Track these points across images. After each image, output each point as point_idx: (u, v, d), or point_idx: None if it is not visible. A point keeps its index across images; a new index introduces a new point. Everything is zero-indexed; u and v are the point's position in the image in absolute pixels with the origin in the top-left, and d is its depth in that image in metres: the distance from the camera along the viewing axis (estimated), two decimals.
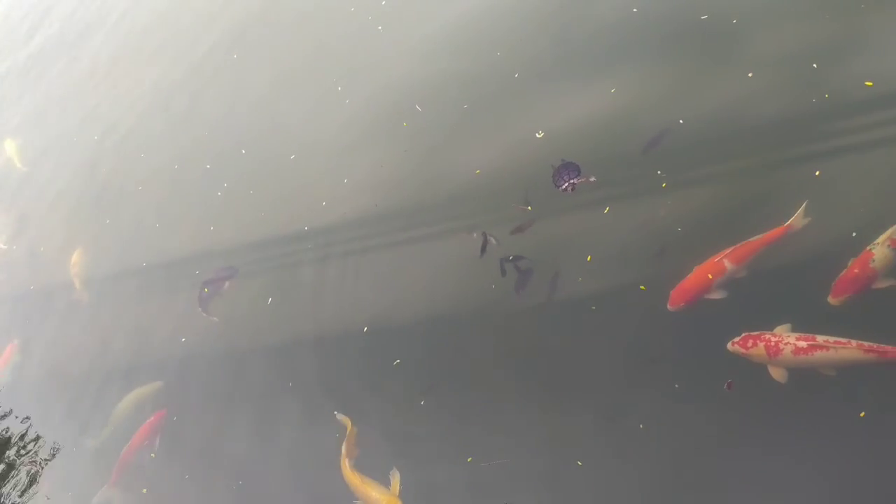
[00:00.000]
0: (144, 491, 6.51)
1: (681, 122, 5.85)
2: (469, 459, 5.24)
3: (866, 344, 4.50)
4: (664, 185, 5.63)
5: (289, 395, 6.24)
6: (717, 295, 5.05)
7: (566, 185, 5.81)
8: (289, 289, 6.89)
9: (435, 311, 6.09)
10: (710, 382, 4.82)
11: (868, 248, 4.69)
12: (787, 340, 4.72)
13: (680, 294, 5.12)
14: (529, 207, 6.03)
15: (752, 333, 4.82)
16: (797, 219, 5.03)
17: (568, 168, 5.87)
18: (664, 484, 4.75)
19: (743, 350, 4.82)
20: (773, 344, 4.75)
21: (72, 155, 9.99)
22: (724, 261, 5.09)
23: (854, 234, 4.86)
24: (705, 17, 6.33)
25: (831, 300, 4.74)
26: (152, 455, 6.63)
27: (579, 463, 4.94)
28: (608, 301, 5.42)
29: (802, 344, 4.67)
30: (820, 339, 4.63)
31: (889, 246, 4.67)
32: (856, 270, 4.71)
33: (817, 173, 5.16)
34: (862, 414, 4.38)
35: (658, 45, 6.51)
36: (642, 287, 5.32)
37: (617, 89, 6.38)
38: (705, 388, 4.84)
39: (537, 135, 6.42)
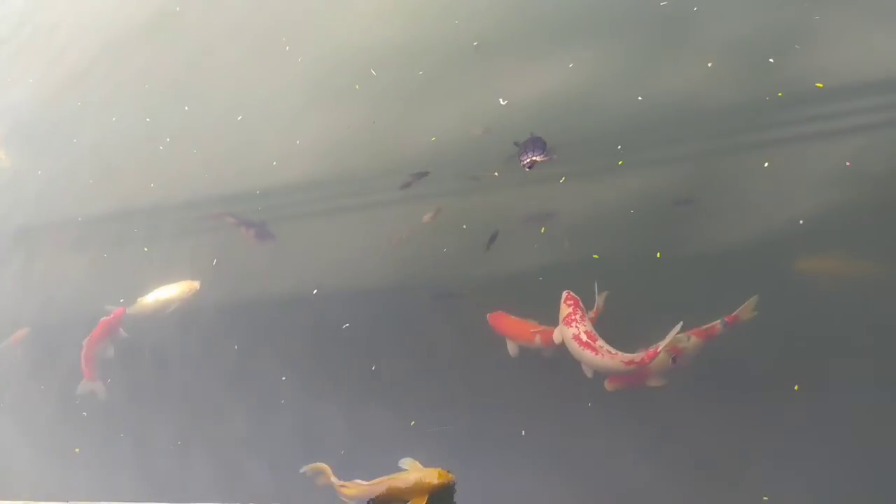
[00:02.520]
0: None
1: (639, 98, 5.94)
2: (412, 423, 5.25)
3: (628, 357, 4.70)
4: (621, 162, 5.71)
5: (234, 356, 6.10)
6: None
7: (528, 160, 5.82)
8: (235, 250, 6.71)
9: (385, 277, 6.01)
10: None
11: (654, 347, 4.66)
12: (581, 327, 4.90)
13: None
14: (496, 174, 6.00)
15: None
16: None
17: (535, 144, 5.88)
18: (608, 456, 4.83)
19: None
20: (571, 318, 4.95)
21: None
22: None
23: (801, 222, 5.02)
24: (665, 3, 6.43)
25: (607, 385, 4.87)
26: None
27: (523, 432, 5.00)
28: (557, 271, 5.46)
29: (584, 337, 4.86)
30: (599, 342, 4.82)
31: (669, 353, 4.72)
32: (647, 357, 4.72)
33: (766, 164, 5.33)
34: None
35: (617, 25, 6.57)
36: (595, 256, 5.40)
37: (575, 64, 6.42)
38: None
39: (501, 101, 6.42)
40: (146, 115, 8.22)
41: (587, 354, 4.85)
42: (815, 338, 4.71)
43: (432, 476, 4.81)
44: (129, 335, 6.59)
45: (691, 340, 4.77)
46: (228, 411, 5.90)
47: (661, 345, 4.64)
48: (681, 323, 4.62)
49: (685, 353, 4.77)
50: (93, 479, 5.98)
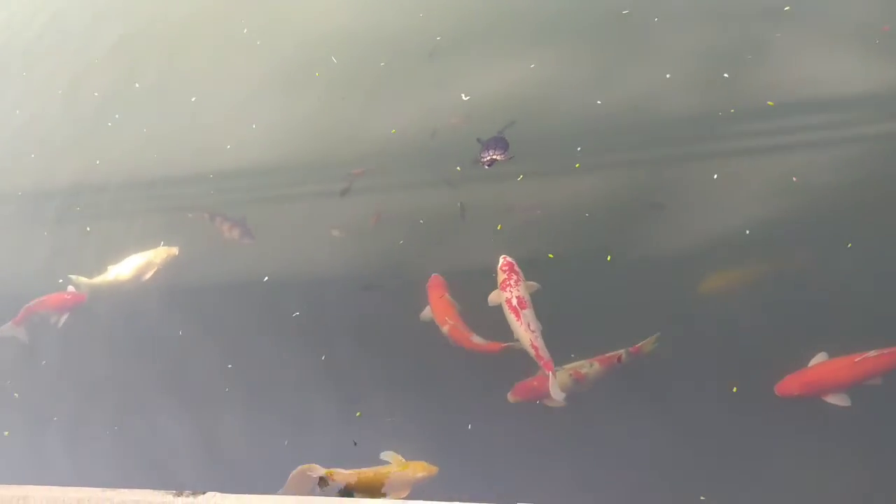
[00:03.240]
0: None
1: (599, 102, 6.01)
2: (358, 414, 5.20)
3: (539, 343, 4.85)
4: (577, 165, 5.77)
5: (177, 342, 5.95)
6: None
7: (489, 158, 5.82)
8: (185, 233, 6.54)
9: (336, 266, 5.94)
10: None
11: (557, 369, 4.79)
12: (514, 292, 5.08)
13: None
14: (459, 168, 5.98)
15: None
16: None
17: (496, 142, 5.88)
18: (553, 448, 4.85)
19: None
20: (506, 283, 5.14)
21: None
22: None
23: (747, 232, 5.14)
24: (627, 12, 6.53)
25: (510, 397, 4.91)
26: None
27: (469, 426, 4.97)
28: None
29: (514, 302, 5.05)
30: (527, 311, 4.98)
31: (571, 375, 4.79)
32: (535, 383, 4.85)
33: (715, 176, 5.45)
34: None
35: (580, 30, 6.67)
36: (550, 255, 5.44)
37: (537, 65, 6.48)
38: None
39: (463, 97, 6.44)
40: (94, 91, 7.97)
41: (512, 318, 5.02)
42: (753, 339, 4.82)
43: (416, 469, 4.74)
44: (74, 319, 6.38)
45: (594, 367, 4.81)
46: (169, 398, 5.74)
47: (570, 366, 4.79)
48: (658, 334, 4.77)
49: (587, 378, 4.81)
50: (22, 462, 5.77)
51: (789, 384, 4.61)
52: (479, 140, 6.02)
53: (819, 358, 4.63)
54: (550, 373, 4.79)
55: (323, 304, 5.77)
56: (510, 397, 4.93)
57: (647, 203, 5.50)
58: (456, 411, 5.05)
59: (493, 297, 5.24)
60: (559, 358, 4.86)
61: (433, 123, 6.35)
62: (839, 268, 4.89)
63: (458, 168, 5.99)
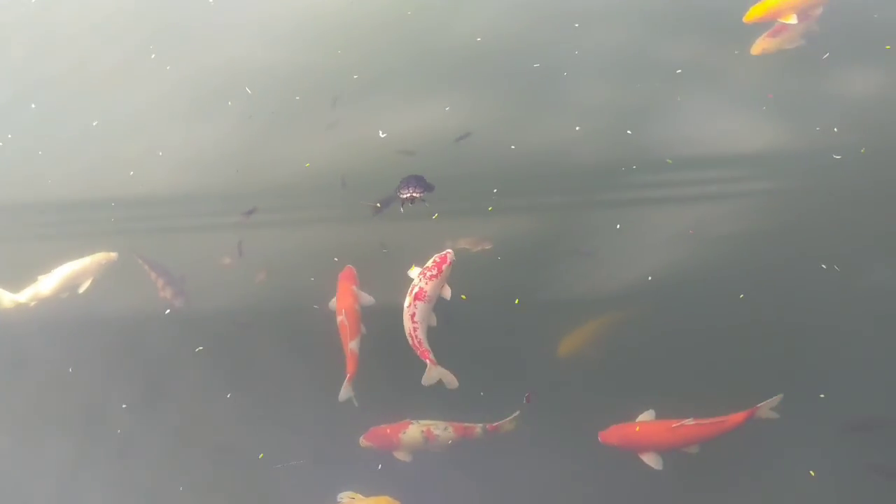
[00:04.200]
0: None
1: (512, 147, 6.19)
2: (261, 456, 5.06)
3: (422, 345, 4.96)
4: (490, 208, 5.91)
5: (67, 380, 5.61)
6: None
7: (408, 195, 5.83)
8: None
9: (240, 300, 5.80)
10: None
11: (411, 421, 4.90)
12: (425, 282, 5.15)
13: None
14: (378, 205, 5.95)
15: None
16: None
17: (415, 181, 5.90)
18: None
19: None
20: (428, 271, 5.23)
21: None
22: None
23: (650, 278, 5.38)
24: (537, 66, 6.79)
25: (362, 441, 4.91)
26: None
27: (380, 466, 4.94)
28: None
29: (415, 290, 5.13)
30: (420, 305, 5.07)
31: (423, 432, 4.85)
32: (388, 431, 4.90)
33: (618, 226, 5.70)
34: None
35: (492, 79, 6.84)
36: (463, 297, 5.48)
37: (451, 108, 6.62)
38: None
39: (381, 134, 6.48)
40: None
41: (407, 300, 5.15)
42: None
43: None
44: None
45: (447, 431, 4.84)
46: (54, 439, 5.42)
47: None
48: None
49: (437, 441, 4.84)
50: None
51: (611, 434, 4.68)
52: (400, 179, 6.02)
53: (646, 415, 4.70)
54: (428, 361, 4.89)
55: (231, 340, 5.60)
56: (362, 441, 4.91)
57: (574, 251, 5.64)
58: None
59: (411, 273, 5.34)
60: (464, 397, 4.91)
61: (349, 159, 6.35)
62: (730, 320, 5.14)
63: (378, 205, 5.98)
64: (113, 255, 6.12)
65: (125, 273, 6.07)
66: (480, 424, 4.82)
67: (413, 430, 4.86)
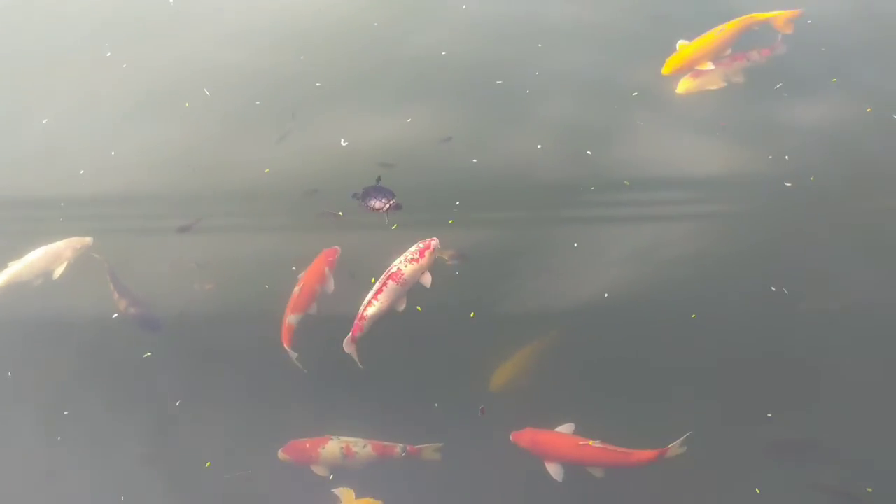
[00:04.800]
0: None
1: (474, 160, 6.22)
2: (208, 465, 4.95)
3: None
4: (451, 221, 5.91)
5: (5, 385, 5.40)
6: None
7: (388, 205, 5.79)
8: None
9: (193, 305, 5.65)
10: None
11: (331, 436, 4.91)
12: (403, 264, 5.30)
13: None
14: (341, 213, 5.89)
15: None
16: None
17: (382, 190, 5.88)
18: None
19: None
20: (411, 255, 5.35)
21: None
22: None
23: (606, 295, 5.45)
24: (500, 82, 6.86)
25: (280, 454, 4.89)
26: None
27: (331, 477, 4.86)
28: (388, 321, 5.43)
29: (393, 269, 5.28)
30: (390, 284, 5.23)
31: (342, 448, 4.84)
32: (307, 445, 4.89)
33: (575, 245, 5.77)
34: None
35: (454, 94, 6.88)
36: (419, 308, 5.47)
37: (413, 120, 6.62)
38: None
39: (342, 142, 6.44)
40: None
41: (381, 280, 5.31)
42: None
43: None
44: None
45: (366, 449, 4.83)
46: None
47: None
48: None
49: (356, 458, 4.84)
50: None
51: (523, 436, 4.80)
52: (354, 195, 6.01)
53: (565, 427, 4.80)
54: (352, 334, 5.11)
55: (177, 345, 5.46)
56: (280, 454, 4.88)
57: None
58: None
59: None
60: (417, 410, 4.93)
61: (309, 166, 6.29)
62: (681, 339, 5.24)
63: (341, 213, 5.95)
64: (87, 239, 5.94)
65: (71, 277, 5.86)
66: (401, 445, 4.82)
67: (332, 446, 4.84)
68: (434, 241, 5.55)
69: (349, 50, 7.24)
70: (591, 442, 4.67)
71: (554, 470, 4.71)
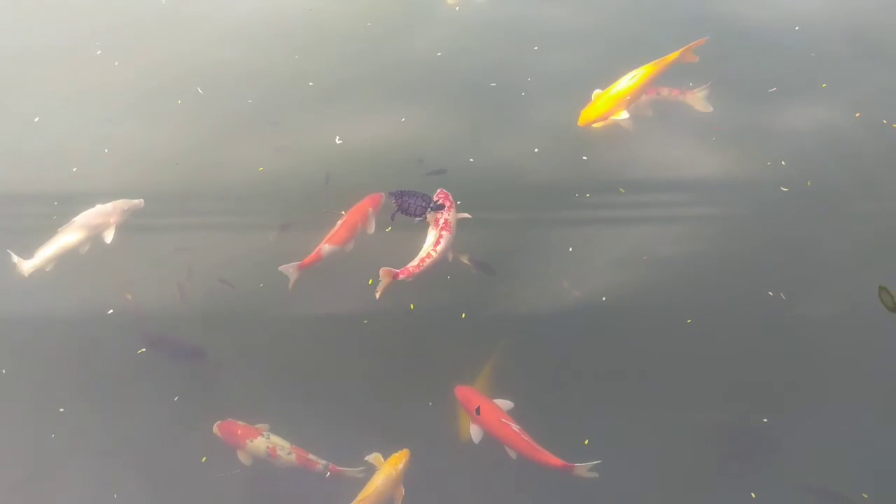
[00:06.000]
0: None
1: (471, 160, 6.22)
2: (204, 459, 4.95)
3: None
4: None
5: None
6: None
7: (433, 206, 5.70)
8: (22, 257, 5.80)
9: (184, 303, 5.62)
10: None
11: (263, 431, 4.98)
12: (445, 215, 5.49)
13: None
14: (344, 213, 5.84)
15: None
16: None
17: (420, 196, 5.77)
18: None
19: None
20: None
21: None
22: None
23: (604, 299, 5.46)
24: (494, 85, 6.87)
25: (214, 428, 5.01)
26: None
27: (328, 474, 4.85)
28: (376, 316, 5.46)
29: (441, 222, 5.55)
30: (445, 234, 5.43)
31: (268, 448, 4.90)
32: (239, 431, 4.97)
33: (570, 249, 5.78)
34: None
35: (448, 95, 6.90)
36: (412, 307, 5.48)
37: (406, 120, 6.62)
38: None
39: (337, 140, 6.44)
40: None
41: (432, 231, 5.53)
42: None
43: (394, 464, 4.78)
44: None
45: (290, 456, 4.90)
46: None
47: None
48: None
49: (279, 460, 4.90)
50: None
51: (463, 392, 5.01)
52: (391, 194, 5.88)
53: (503, 402, 4.95)
54: (399, 276, 5.23)
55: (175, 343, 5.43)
56: (215, 428, 5.00)
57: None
58: None
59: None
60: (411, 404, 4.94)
61: (303, 165, 6.27)
62: (676, 343, 5.25)
63: (343, 213, 5.88)
64: (137, 201, 5.93)
65: (66, 273, 5.79)
66: (324, 462, 4.87)
67: (259, 442, 4.93)
68: (440, 192, 5.70)
69: (343, 49, 7.24)
70: (512, 424, 4.80)
71: (475, 432, 4.90)
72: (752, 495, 4.66)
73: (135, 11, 7.85)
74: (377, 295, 5.28)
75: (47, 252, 5.70)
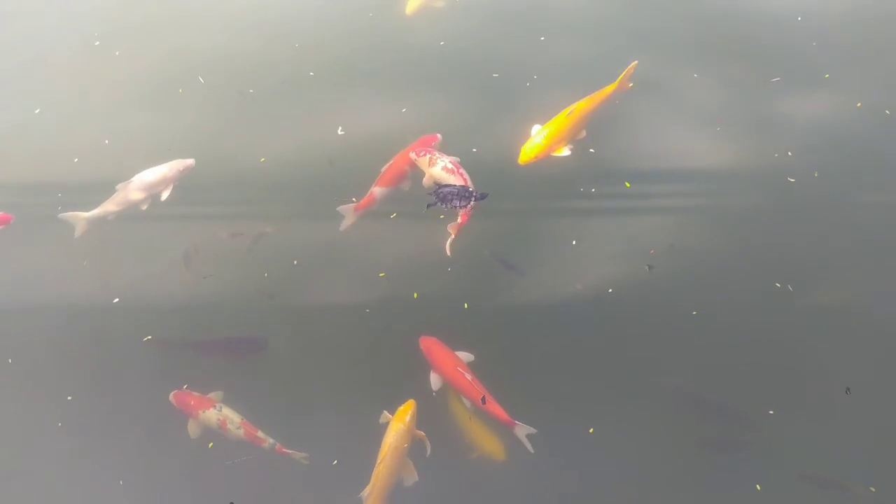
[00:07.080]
0: None
1: (474, 150, 6.19)
2: (210, 445, 5.00)
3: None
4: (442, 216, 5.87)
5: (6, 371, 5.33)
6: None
7: (471, 199, 5.72)
8: (20, 244, 5.87)
9: (189, 290, 5.63)
10: None
11: (216, 403, 5.07)
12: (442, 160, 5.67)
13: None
14: (354, 200, 5.84)
15: None
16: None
17: (460, 191, 5.78)
18: None
19: None
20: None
21: None
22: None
23: (610, 290, 5.44)
24: (497, 76, 6.83)
25: (170, 396, 5.12)
26: None
27: (335, 461, 4.89)
28: (380, 307, 5.48)
29: (450, 166, 5.68)
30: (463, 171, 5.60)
31: (219, 420, 4.99)
32: (192, 402, 5.06)
33: (574, 242, 5.76)
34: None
35: (455, 83, 6.85)
36: (415, 295, 5.49)
37: (407, 110, 6.59)
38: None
39: (339, 131, 6.42)
40: None
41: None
42: None
43: (404, 415, 4.88)
44: None
45: (239, 430, 4.96)
46: None
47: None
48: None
49: (228, 432, 4.96)
50: None
51: (426, 341, 5.19)
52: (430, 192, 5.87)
53: (464, 354, 5.15)
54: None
55: (178, 329, 5.45)
56: (170, 396, 5.08)
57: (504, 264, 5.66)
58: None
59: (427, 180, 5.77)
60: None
61: (305, 154, 6.23)
62: (682, 336, 5.28)
63: (354, 199, 5.89)
64: (190, 161, 6.10)
65: (72, 263, 5.78)
66: (271, 441, 4.93)
67: (211, 414, 4.99)
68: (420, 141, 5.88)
69: (344, 39, 7.18)
70: (467, 375, 5.00)
71: (434, 380, 5.08)
72: (758, 487, 4.69)
73: (134, 1, 7.76)
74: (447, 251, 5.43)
75: (109, 206, 5.93)
